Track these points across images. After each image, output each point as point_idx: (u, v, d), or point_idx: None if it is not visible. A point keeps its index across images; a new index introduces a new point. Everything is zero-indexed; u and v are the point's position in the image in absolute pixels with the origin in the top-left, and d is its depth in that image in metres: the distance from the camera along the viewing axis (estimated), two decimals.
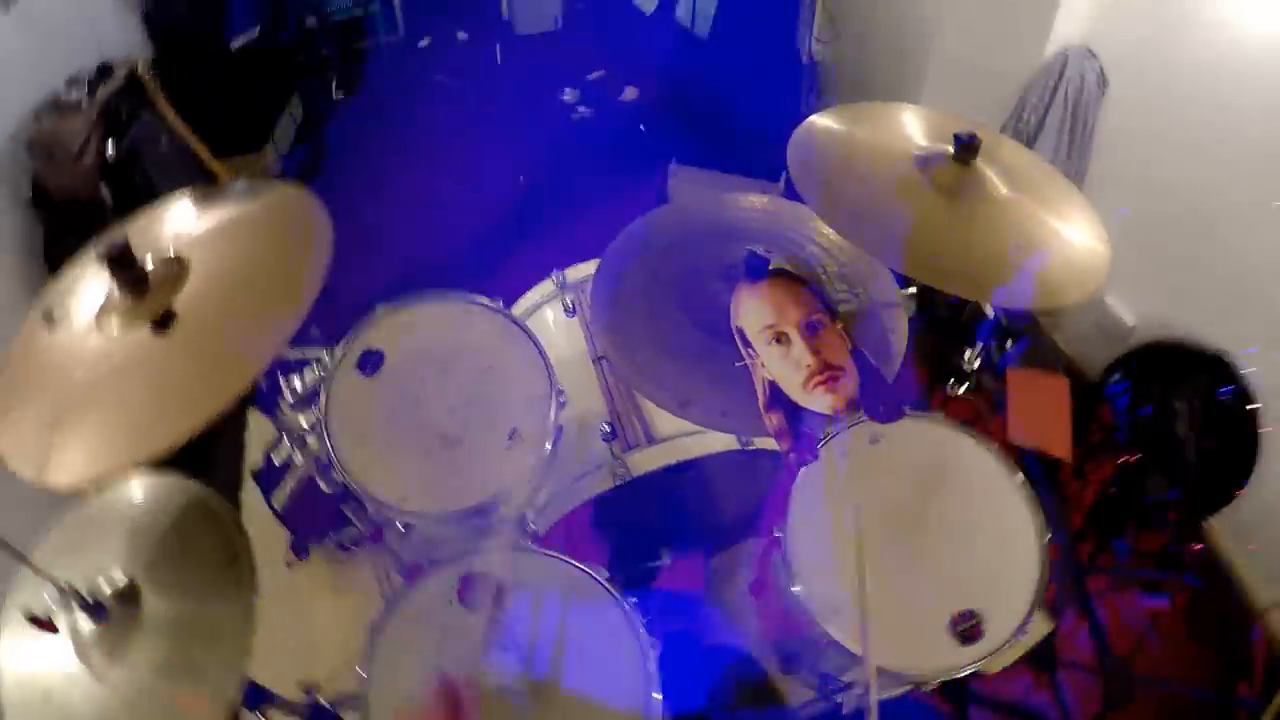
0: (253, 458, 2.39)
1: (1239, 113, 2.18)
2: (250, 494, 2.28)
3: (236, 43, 3.57)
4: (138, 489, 1.42)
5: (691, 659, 1.61)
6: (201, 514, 1.39)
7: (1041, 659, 2.22)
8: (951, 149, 1.55)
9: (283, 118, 3.60)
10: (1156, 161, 2.44)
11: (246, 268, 1.29)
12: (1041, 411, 2.14)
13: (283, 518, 2.17)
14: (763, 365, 1.38)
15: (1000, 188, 1.58)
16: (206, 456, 2.40)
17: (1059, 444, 2.08)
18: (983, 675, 2.14)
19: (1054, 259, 1.54)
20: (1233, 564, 2.48)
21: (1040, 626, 2.18)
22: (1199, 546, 2.39)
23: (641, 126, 3.47)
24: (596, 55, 3.77)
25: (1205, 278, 2.41)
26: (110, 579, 1.28)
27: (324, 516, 2.12)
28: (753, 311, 1.40)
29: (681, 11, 3.60)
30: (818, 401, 1.35)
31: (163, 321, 1.20)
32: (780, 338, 1.37)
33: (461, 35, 4.05)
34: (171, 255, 1.28)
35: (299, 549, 2.32)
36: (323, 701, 1.54)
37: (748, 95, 3.10)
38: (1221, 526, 2.50)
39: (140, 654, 1.21)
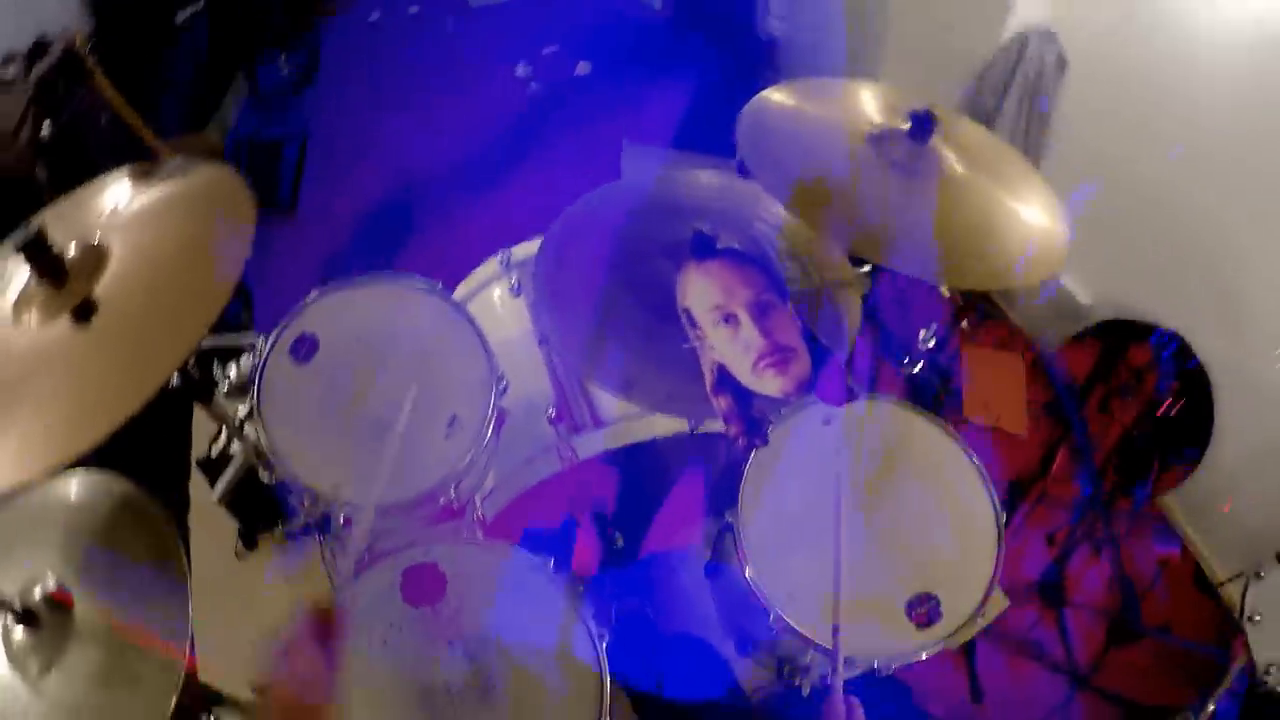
0: (199, 448, 2.33)
1: (1198, 96, 2.17)
2: (198, 486, 2.21)
3: (181, 16, 3.45)
4: (69, 486, 1.37)
5: (645, 643, 1.58)
6: (131, 513, 1.35)
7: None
8: (907, 126, 1.52)
9: (229, 94, 3.49)
10: (1115, 143, 2.43)
11: (168, 253, 1.23)
12: (997, 388, 2.14)
13: (228, 508, 2.11)
14: (711, 347, 1.35)
15: (957, 167, 1.55)
16: (151, 448, 2.33)
17: (1013, 420, 2.09)
18: None
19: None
20: (1189, 538, 2.50)
21: (997, 604, 2.19)
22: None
23: (594, 103, 3.40)
24: (550, 29, 3.68)
25: (1161, 257, 2.41)
26: (42, 584, 1.24)
27: (268, 505, 2.06)
28: (700, 291, 1.37)
29: None
30: (767, 384, 1.32)
31: (83, 311, 1.15)
32: (729, 318, 1.34)
33: (413, 9, 3.94)
34: (92, 241, 1.22)
35: (247, 539, 2.26)
36: None
37: (703, 72, 3.05)
38: (1176, 503, 2.52)
39: (75, 663, 1.19)
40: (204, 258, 1.21)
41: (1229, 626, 1.84)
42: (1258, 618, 1.79)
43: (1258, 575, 1.83)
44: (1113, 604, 2.24)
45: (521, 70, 3.55)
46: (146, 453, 1.58)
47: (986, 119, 2.63)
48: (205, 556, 1.96)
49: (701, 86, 3.04)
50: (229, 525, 2.24)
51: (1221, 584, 2.32)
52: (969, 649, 2.20)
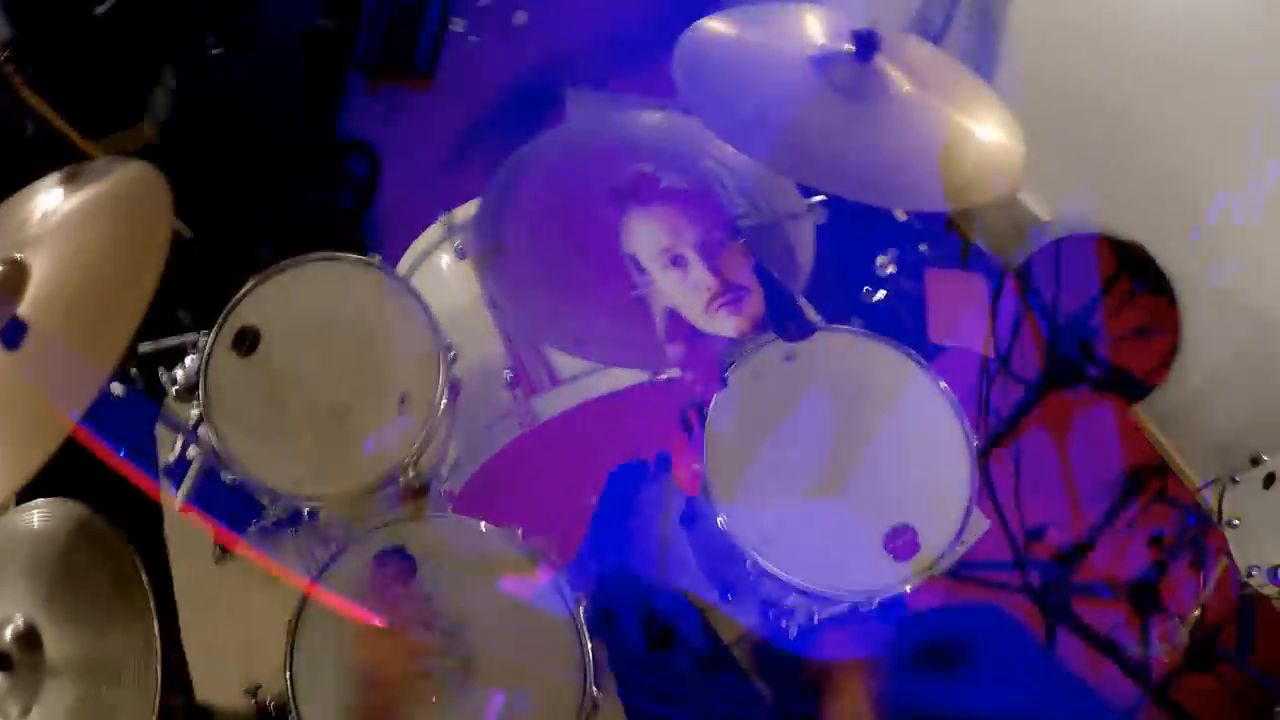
0: (164, 455, 2.28)
1: (1155, 5, 2.12)
2: (168, 494, 2.16)
3: (102, 7, 3.32)
4: (29, 518, 1.35)
5: (626, 599, 1.56)
6: (87, 539, 1.33)
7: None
8: (850, 48, 1.46)
9: (158, 84, 3.37)
10: (1068, 56, 2.38)
11: (90, 260, 1.18)
12: (960, 310, 2.11)
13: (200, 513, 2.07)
14: (660, 292, 1.31)
15: (904, 86, 1.50)
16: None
17: (979, 341, 2.06)
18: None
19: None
20: (1165, 449, 2.50)
21: (977, 528, 2.18)
22: None
23: (534, 51, 3.31)
24: None
25: (1121, 170, 2.38)
26: (10, 624, 1.23)
27: (237, 505, 2.02)
28: (645, 235, 1.33)
29: None
30: (722, 325, 1.29)
31: (11, 333, 1.10)
32: (677, 260, 1.30)
33: None
34: (13, 259, 1.17)
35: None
36: (268, 702, 1.48)
37: (643, 8, 2.97)
38: (1148, 414, 2.52)
39: (52, 701, 1.19)
40: (126, 260, 1.16)
41: None
42: (1236, 522, 1.81)
43: (1233, 480, 1.85)
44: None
45: (457, 24, 3.45)
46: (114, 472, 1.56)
47: (935, 38, 2.57)
48: (185, 565, 1.93)
49: (645, 25, 2.95)
50: (203, 530, 2.20)
51: (1196, 492, 2.32)
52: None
